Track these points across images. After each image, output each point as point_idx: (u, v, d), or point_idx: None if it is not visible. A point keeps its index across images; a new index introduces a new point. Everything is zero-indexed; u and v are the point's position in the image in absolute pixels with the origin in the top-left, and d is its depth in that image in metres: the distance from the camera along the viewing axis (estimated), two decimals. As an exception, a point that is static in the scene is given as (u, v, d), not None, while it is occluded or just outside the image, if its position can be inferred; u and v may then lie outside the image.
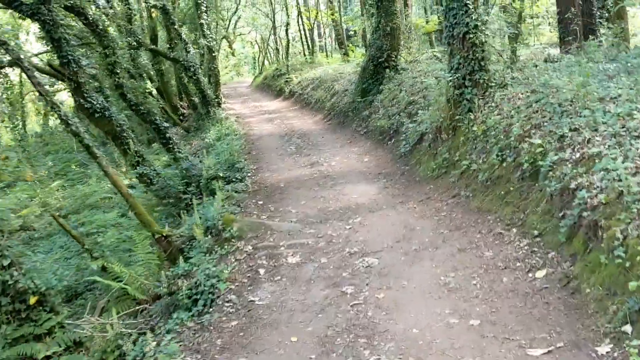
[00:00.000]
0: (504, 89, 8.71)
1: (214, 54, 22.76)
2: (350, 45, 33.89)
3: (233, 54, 48.14)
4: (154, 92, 29.13)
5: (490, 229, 6.41)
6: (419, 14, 30.55)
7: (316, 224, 7.64)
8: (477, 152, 8.05)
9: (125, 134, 13.29)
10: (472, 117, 8.55)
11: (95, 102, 12.78)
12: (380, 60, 15.76)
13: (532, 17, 25.30)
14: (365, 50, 21.05)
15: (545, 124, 6.86)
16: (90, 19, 14.97)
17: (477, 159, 7.96)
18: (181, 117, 26.39)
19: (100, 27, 15.43)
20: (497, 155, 7.37)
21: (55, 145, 27.04)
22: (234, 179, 11.20)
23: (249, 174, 11.33)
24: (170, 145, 16.57)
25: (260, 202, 9.03)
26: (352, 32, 38.95)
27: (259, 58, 45.15)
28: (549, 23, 26.34)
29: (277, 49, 38.78)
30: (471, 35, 8.66)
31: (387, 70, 15.65)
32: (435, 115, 9.62)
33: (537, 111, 7.31)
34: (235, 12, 40.61)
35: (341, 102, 17.62)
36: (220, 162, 12.27)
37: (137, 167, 13.36)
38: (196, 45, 23.13)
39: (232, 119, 20.63)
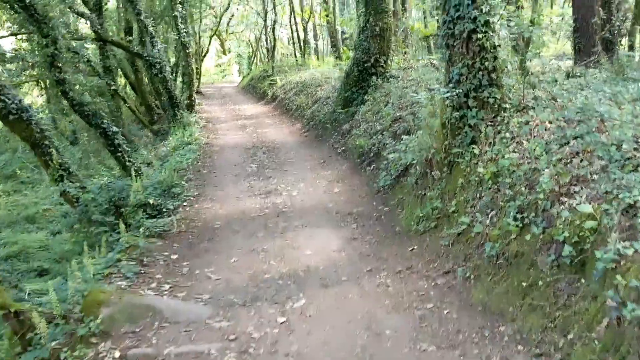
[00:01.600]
0: (522, 113, 6.00)
1: (188, 51, 19.99)
2: (345, 48, 31.25)
3: (224, 53, 45.29)
4: (129, 89, 26.48)
5: (507, 358, 3.70)
6: (417, 17, 27.92)
7: (236, 309, 4.89)
8: (483, 207, 5.32)
9: (46, 142, 10.56)
10: (476, 151, 5.83)
11: (9, 101, 10.11)
12: (366, 65, 13.05)
13: (533, 24, 22.44)
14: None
15: (596, 177, 4.16)
16: (27, 1, 12.26)
17: (482, 216, 5.24)
18: (155, 118, 23.66)
19: (39, 12, 12.72)
20: (515, 219, 4.66)
21: (16, 143, 24.19)
22: (164, 209, 8.48)
23: (185, 203, 8.59)
24: (119, 154, 13.85)
25: (175, 257, 6.27)
26: (347, 35, 36.47)
27: (252, 58, 42.33)
28: (554, 33, 23.73)
29: (268, 49, 36.01)
30: (479, 36, 5.94)
31: (374, 77, 12.94)
32: (425, 143, 6.89)
33: (578, 153, 4.61)
34: (227, 9, 37.86)
35: (322, 112, 14.90)
36: (158, 183, 9.55)
37: (61, 183, 10.66)
38: (166, 39, 20.41)
39: (201, 123, 17.88)
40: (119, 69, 24.48)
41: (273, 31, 26.96)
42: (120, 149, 13.75)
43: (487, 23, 5.94)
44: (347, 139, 11.76)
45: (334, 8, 28.97)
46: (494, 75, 6.01)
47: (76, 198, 10.38)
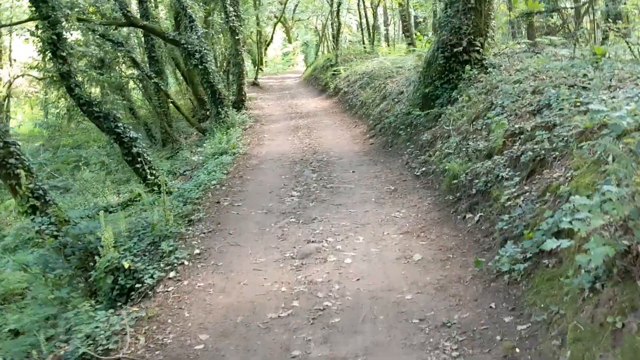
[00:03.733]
0: None
1: (238, 37, 16.63)
2: (418, 33, 27.16)
3: (290, 41, 41.87)
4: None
5: None
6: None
7: None
8: None
9: (13, 160, 7.48)
10: None
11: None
12: (455, 49, 9.19)
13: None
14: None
15: None
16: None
17: None
18: (207, 114, 20.59)
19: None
20: None
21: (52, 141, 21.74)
22: (142, 280, 5.11)
23: (172, 273, 5.18)
24: (139, 165, 10.77)
25: None
26: (420, 20, 32.54)
27: (318, 46, 38.66)
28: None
29: (334, 36, 32.32)
30: None
31: (467, 66, 9.09)
32: (624, 217, 3.08)
33: None
34: (292, -6, 34.45)
35: (392, 112, 11.16)
36: (150, 227, 6.21)
37: (32, 217, 7.55)
38: (207, 25, 17.18)
39: (248, 123, 14.56)
40: (171, 59, 21.57)
41: (337, 15, 23.16)
42: (139, 159, 10.66)
43: None
44: (428, 155, 8.02)
45: (407, -11, 24.92)
46: None
47: (54, 237, 7.26)
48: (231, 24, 16.36)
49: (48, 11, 9.78)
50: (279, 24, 40.06)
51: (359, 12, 27.84)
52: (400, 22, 30.42)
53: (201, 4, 17.94)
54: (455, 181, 6.30)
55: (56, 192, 15.85)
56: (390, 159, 9.23)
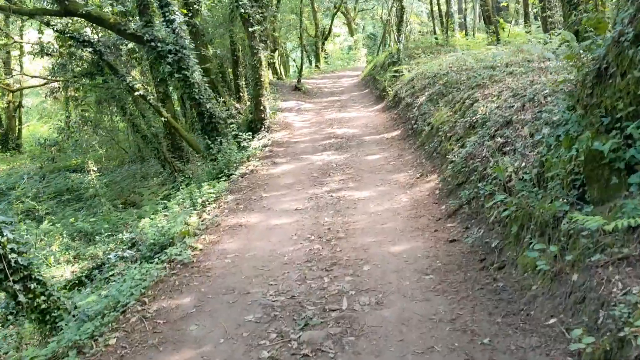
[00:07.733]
0: None
1: (252, 30, 10.99)
2: (502, 21, 20.65)
3: (351, 34, 35.67)
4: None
5: None
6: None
7: None
8: None
9: None
10: None
11: None
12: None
13: None
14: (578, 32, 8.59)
15: None
16: None
17: None
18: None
19: None
20: None
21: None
22: None
23: None
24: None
25: None
26: (504, 4, 26.02)
27: (382, 38, 32.28)
28: None
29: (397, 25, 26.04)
30: None
31: None
32: None
33: None
34: (352, -20, 28.38)
35: (499, 174, 5.22)
36: None
37: None
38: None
39: (252, 162, 8.99)
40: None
41: (400, -2, 17.00)
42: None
43: None
44: None
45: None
46: None
47: None
48: (242, 10, 10.75)
49: None
50: (341, 15, 34.22)
51: (430, -2, 21.54)
52: (479, 7, 23.94)
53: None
54: None
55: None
56: (514, 322, 3.34)
